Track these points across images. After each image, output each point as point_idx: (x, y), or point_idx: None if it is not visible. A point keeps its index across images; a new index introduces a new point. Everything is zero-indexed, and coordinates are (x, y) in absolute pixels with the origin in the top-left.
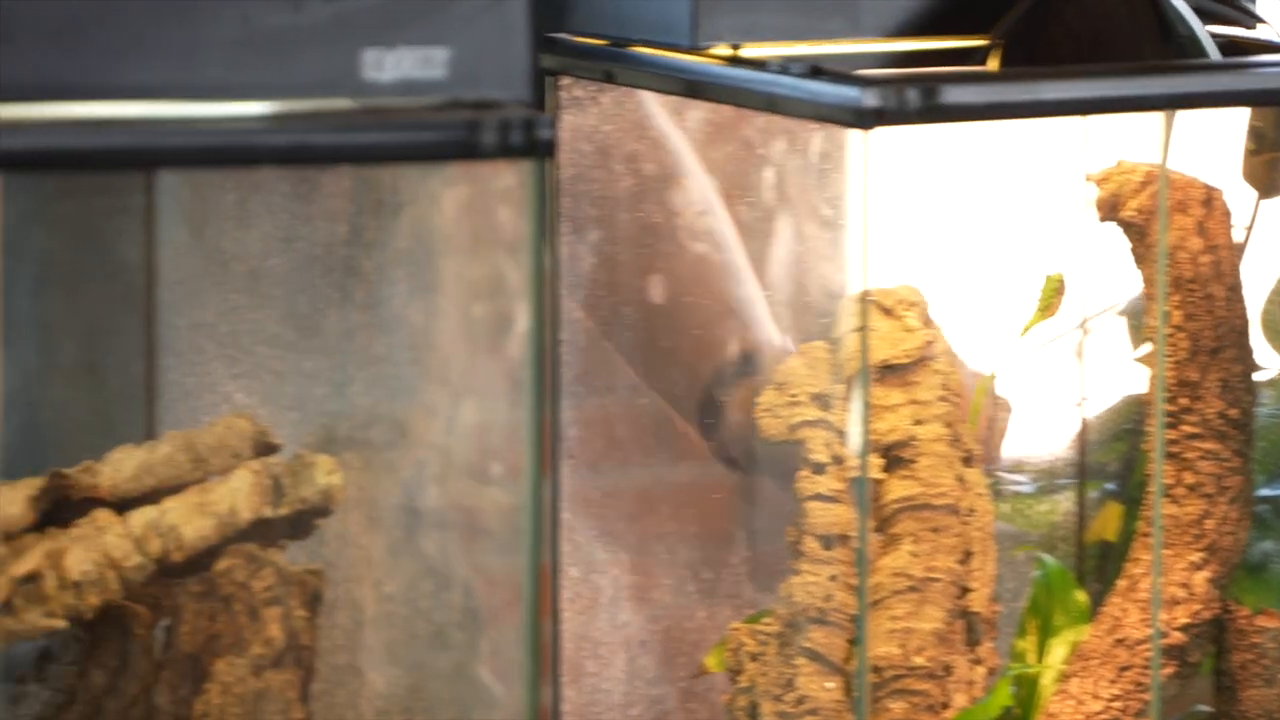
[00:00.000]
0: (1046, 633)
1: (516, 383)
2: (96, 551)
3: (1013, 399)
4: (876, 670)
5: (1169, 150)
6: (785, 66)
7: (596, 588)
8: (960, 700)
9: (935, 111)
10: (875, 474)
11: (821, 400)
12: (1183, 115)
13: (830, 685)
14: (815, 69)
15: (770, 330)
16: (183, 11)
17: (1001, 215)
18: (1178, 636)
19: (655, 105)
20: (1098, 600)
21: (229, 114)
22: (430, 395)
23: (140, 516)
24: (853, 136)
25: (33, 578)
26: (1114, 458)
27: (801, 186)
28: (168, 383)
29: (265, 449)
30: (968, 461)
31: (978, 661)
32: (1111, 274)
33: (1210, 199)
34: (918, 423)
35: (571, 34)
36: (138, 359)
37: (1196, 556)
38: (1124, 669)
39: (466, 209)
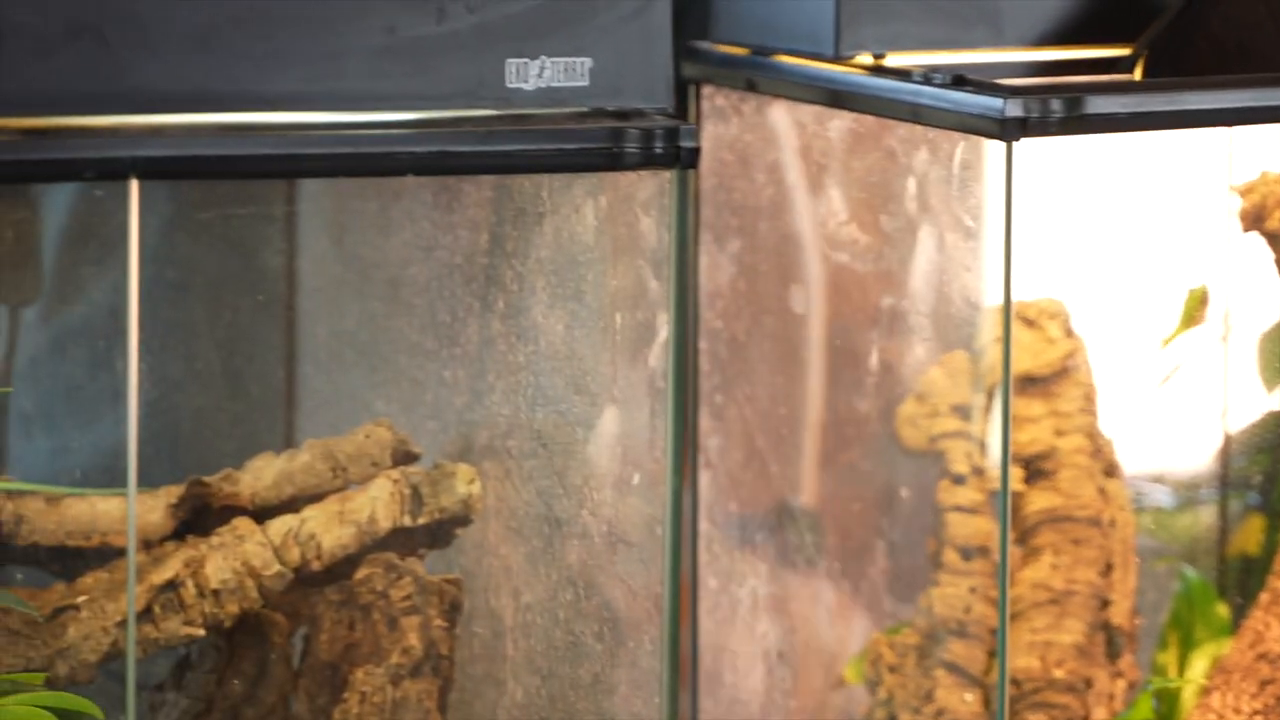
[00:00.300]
0: (1188, 646)
1: (656, 392)
2: (236, 560)
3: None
4: (1016, 683)
5: None
6: (928, 76)
7: (735, 598)
8: (1100, 714)
9: (1079, 122)
10: (1016, 486)
11: (962, 411)
12: None
13: (969, 698)
14: (958, 78)
15: (911, 341)
16: (327, 21)
17: (1145, 226)
18: None
19: (798, 114)
20: (1239, 614)
21: (372, 122)
22: (570, 404)
23: (279, 525)
24: (996, 147)
25: (172, 586)
26: (1257, 470)
27: (943, 196)
28: (307, 390)
29: (405, 458)
30: (1109, 473)
31: (1118, 675)
32: (1255, 285)
33: None
34: (1059, 434)
35: (713, 43)
36: (278, 367)
37: None
38: (1266, 683)
39: (608, 218)
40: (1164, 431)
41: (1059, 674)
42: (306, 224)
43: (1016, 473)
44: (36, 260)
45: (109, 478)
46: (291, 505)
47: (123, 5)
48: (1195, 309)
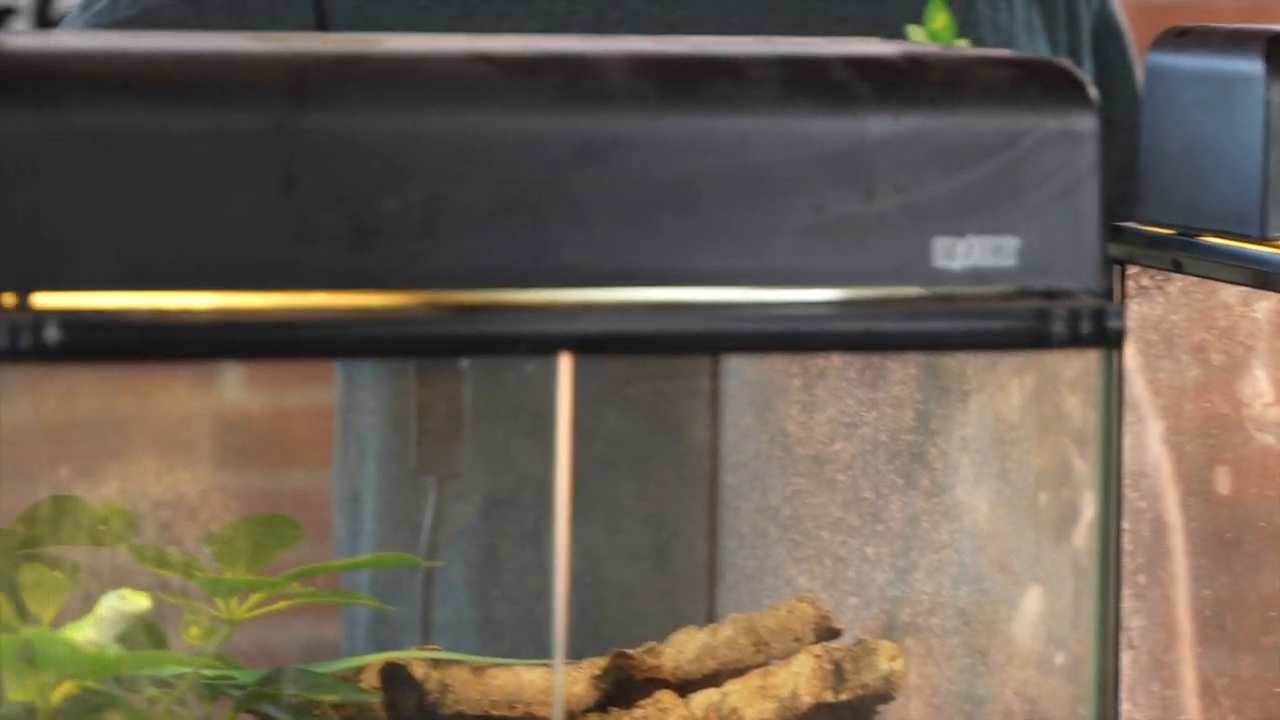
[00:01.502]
0: None
1: (1080, 571)
2: None
3: None
4: None
5: None
6: None
7: None
8: None
9: None
10: None
11: None
12: None
13: None
14: None
15: None
16: (757, 199)
17: None
18: None
19: (1224, 295)
20: None
21: (797, 300)
22: (993, 583)
23: (702, 698)
24: None
25: None
26: None
27: None
28: (730, 565)
29: (827, 634)
30: None
31: None
32: None
33: None
34: None
35: (1138, 224)
36: (702, 541)
37: None
38: None
39: (1034, 397)
40: None
41: None
42: (731, 400)
43: None
44: (464, 433)
45: (534, 649)
46: (714, 679)
47: (556, 183)
48: None
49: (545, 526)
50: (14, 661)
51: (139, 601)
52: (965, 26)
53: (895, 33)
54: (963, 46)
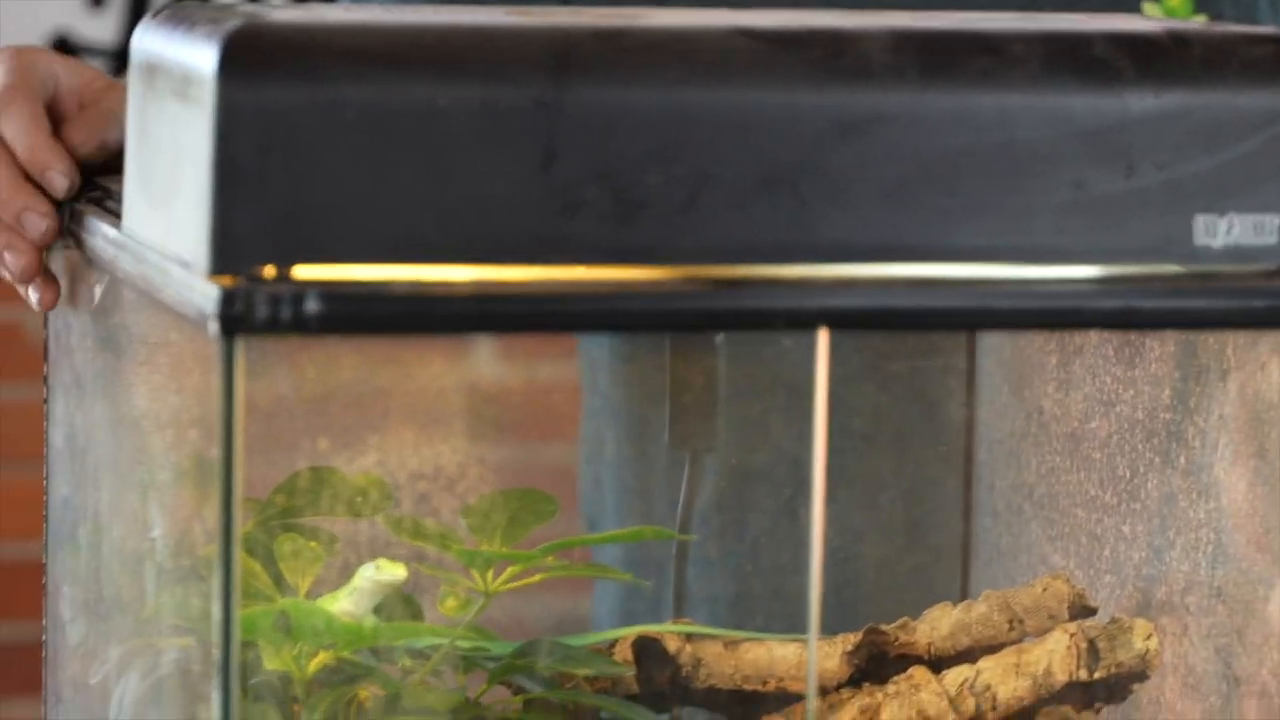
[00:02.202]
0: None
1: None
2: (911, 709)
3: None
4: None
5: None
6: None
7: None
8: None
9: None
10: None
11: None
12: None
13: None
14: None
15: None
16: (1017, 176)
17: None
18: None
19: None
20: None
21: (1055, 277)
22: (1251, 562)
23: (955, 675)
24: None
25: None
26: None
27: None
28: (984, 542)
29: (1081, 611)
30: None
31: None
32: None
33: None
34: None
35: None
36: (956, 518)
37: None
38: None
39: None
40: None
41: None
42: (987, 376)
43: None
44: (719, 407)
45: (787, 624)
46: (967, 656)
47: (817, 158)
48: None
49: (800, 501)
50: (271, 631)
51: (396, 572)
52: (1203, 2)
53: (1132, 9)
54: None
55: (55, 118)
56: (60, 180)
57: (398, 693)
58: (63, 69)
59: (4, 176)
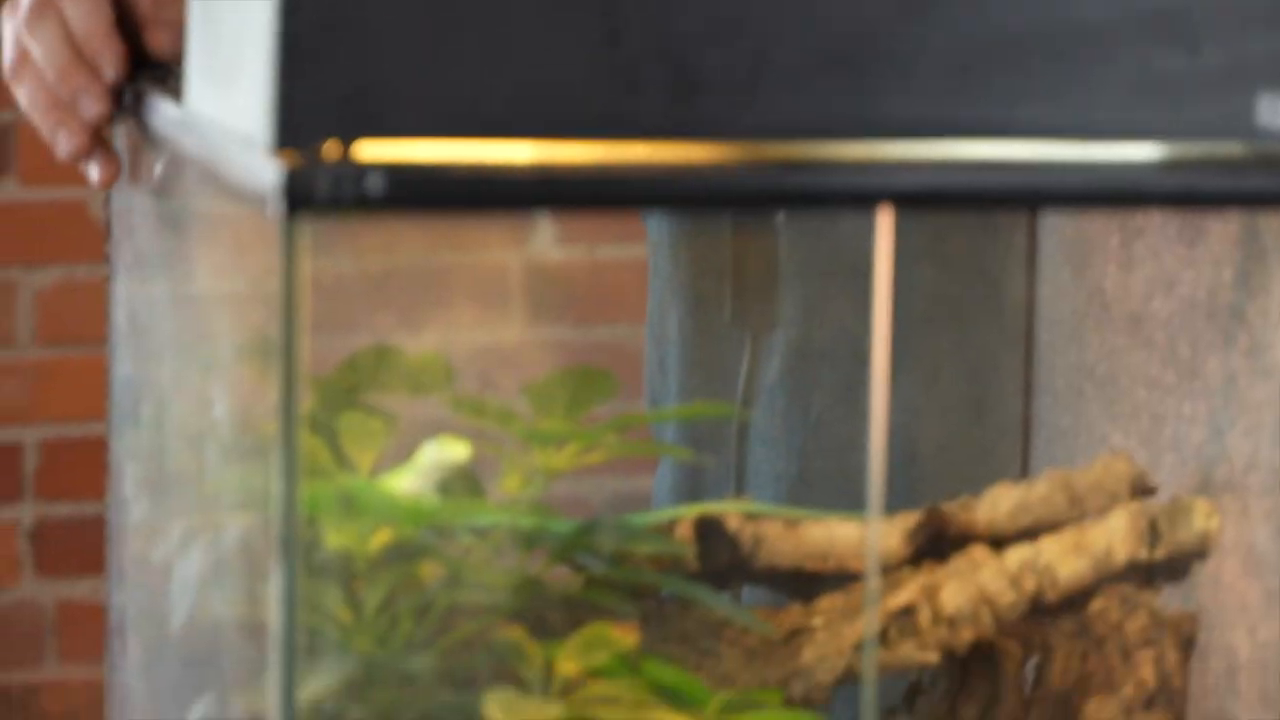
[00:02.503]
0: None
1: None
2: (972, 587)
3: None
4: None
5: None
6: None
7: None
8: None
9: None
10: None
11: None
12: None
13: None
14: None
15: None
16: (1079, 54)
17: None
18: None
19: None
20: None
21: (1117, 156)
22: None
23: (1016, 554)
24: None
25: (908, 611)
26: None
27: None
28: (1044, 422)
29: (1142, 491)
30: None
31: None
32: None
33: None
34: None
35: None
36: (1017, 397)
37: None
38: None
39: None
40: None
41: None
42: (1048, 257)
43: None
44: (781, 288)
45: (847, 502)
46: (1027, 535)
47: (881, 36)
48: None
49: (861, 380)
50: (333, 509)
51: (458, 450)
52: None
53: None
54: None
55: (135, 20)
56: (109, 70)
57: (459, 571)
58: None
59: (63, 58)
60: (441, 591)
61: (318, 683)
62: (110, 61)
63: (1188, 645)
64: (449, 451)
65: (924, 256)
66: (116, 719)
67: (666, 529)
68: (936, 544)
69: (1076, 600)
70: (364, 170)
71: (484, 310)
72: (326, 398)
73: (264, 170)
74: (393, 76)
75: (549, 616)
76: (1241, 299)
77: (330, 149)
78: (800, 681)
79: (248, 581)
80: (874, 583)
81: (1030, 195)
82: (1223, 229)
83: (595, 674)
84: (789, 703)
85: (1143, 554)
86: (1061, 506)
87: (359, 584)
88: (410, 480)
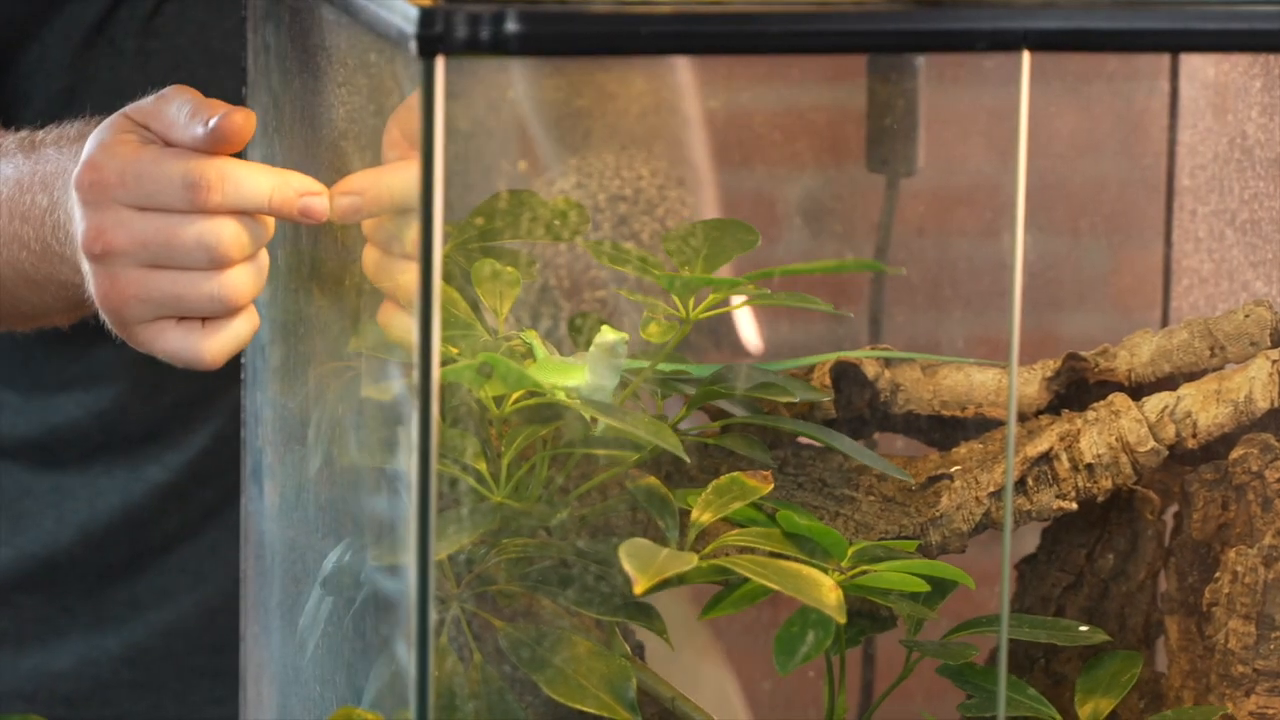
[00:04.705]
0: None
1: None
2: (1111, 435)
3: None
4: None
5: None
6: None
7: None
8: None
9: None
10: None
11: None
12: None
13: None
14: None
15: None
16: None
17: None
18: None
19: None
20: None
21: None
22: None
23: (1155, 402)
24: None
25: (1046, 459)
26: None
27: None
28: (1185, 268)
29: None
30: None
31: None
32: None
33: None
34: None
35: None
36: (1158, 243)
37: None
38: None
39: None
40: None
41: None
42: (1190, 101)
43: None
44: (919, 131)
45: (986, 349)
46: (1168, 382)
47: None
48: None
49: (1001, 225)
50: (473, 379)
51: (620, 336)
52: None
53: None
54: None
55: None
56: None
57: (586, 434)
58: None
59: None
60: (578, 441)
61: (456, 532)
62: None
63: None
64: (611, 338)
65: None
66: (253, 565)
67: (804, 375)
68: (1076, 391)
69: (1216, 448)
70: (501, 12)
71: (623, 154)
72: (463, 242)
73: (403, 13)
74: None
75: (685, 465)
76: None
77: None
78: (937, 530)
79: (387, 427)
80: (1013, 430)
81: (1171, 38)
82: None
83: (730, 522)
84: (926, 552)
85: None
86: (1202, 353)
87: (494, 432)
88: (589, 376)
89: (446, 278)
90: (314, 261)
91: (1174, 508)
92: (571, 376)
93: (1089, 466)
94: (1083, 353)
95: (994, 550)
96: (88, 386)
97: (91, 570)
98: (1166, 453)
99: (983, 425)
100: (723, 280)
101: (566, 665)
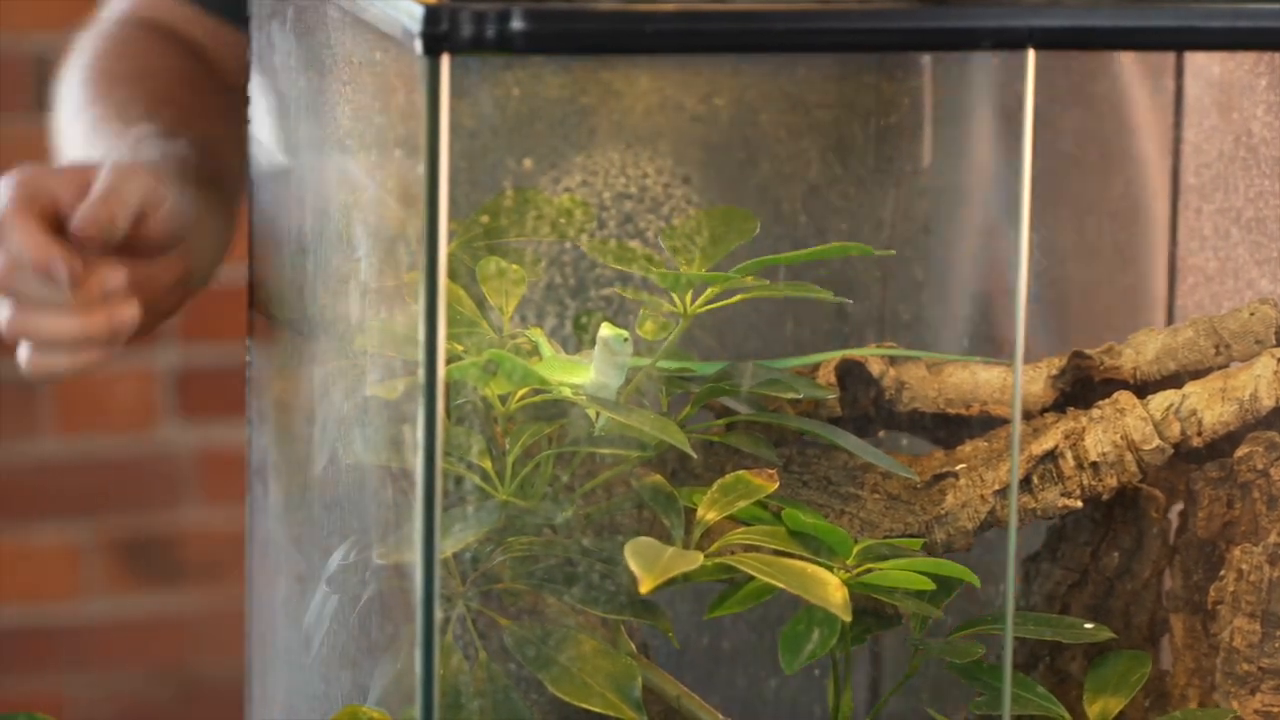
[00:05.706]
0: None
1: None
2: (1116, 433)
3: None
4: None
5: None
6: None
7: None
8: None
9: None
10: None
11: None
12: None
13: None
14: None
15: None
16: None
17: None
18: None
19: None
20: None
21: None
22: None
23: (1160, 400)
24: None
25: (1051, 457)
26: None
27: None
28: (1190, 266)
29: None
30: None
31: None
32: None
33: None
34: None
35: None
36: (1162, 241)
37: None
38: None
39: None
40: None
41: None
42: (1195, 98)
43: None
44: (926, 128)
45: (990, 347)
46: (1173, 380)
47: None
48: None
49: (1009, 223)
50: (479, 376)
51: (621, 333)
52: None
53: None
54: None
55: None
56: (60, 268)
57: (591, 431)
58: (58, 182)
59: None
60: (583, 439)
61: (461, 530)
62: (63, 259)
63: None
64: (612, 335)
65: (1070, 98)
66: (257, 562)
67: (809, 373)
68: (1081, 389)
69: (1221, 446)
70: (507, 10)
71: (628, 152)
72: (468, 240)
73: (408, 11)
74: None
75: (690, 463)
76: None
77: None
78: (942, 528)
79: (392, 425)
80: (1018, 428)
81: (1176, 36)
82: None
83: (735, 520)
84: (930, 550)
85: None
86: (1207, 351)
87: (499, 430)
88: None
89: (452, 275)
90: (319, 262)
91: (1179, 506)
92: (577, 374)
93: (1094, 464)
94: (1088, 350)
95: (999, 548)
96: None
97: None
98: (1171, 451)
99: (988, 423)
100: (724, 276)
101: (572, 663)
